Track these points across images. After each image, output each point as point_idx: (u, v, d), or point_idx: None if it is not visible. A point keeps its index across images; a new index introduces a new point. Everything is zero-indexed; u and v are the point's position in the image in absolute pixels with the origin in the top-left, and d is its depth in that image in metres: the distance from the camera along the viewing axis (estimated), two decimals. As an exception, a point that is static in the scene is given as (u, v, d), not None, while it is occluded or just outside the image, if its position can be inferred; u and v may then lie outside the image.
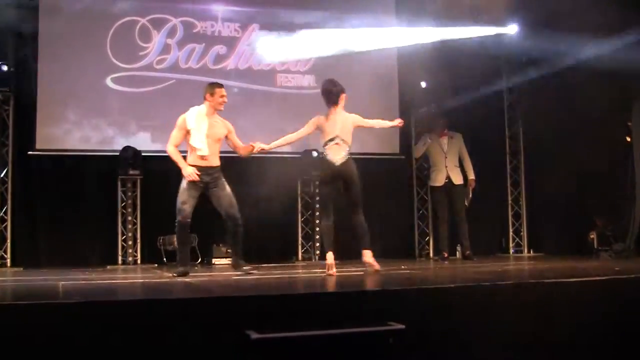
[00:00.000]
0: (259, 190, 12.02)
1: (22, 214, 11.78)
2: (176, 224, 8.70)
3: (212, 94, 8.76)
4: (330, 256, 8.52)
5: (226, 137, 8.94)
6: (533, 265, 9.96)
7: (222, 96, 8.78)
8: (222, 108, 8.84)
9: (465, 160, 12.25)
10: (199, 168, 8.60)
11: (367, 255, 8.69)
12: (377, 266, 8.59)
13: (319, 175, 9.28)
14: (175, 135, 8.73)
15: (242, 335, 4.96)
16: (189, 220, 8.67)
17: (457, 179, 12.11)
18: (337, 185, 8.87)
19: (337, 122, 8.77)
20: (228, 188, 8.88)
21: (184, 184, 8.67)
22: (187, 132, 8.67)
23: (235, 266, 9.14)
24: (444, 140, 12.26)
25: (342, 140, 8.73)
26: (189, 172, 8.53)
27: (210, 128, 8.69)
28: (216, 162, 8.81)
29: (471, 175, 12.17)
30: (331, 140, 8.73)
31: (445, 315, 5.65)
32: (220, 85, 8.93)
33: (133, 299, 5.72)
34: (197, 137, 8.61)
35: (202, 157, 8.65)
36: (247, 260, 12.22)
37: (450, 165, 12.15)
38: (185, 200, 8.62)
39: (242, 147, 9.07)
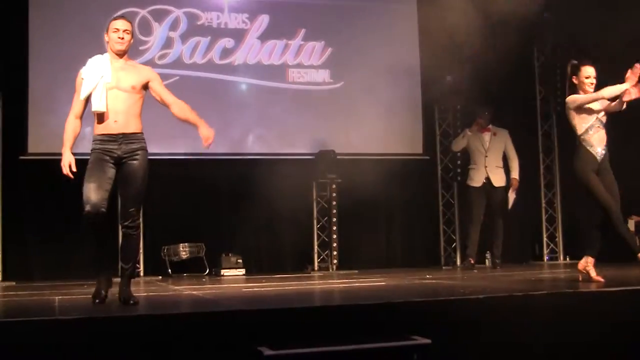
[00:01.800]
0: (271, 194, 12.04)
1: (13, 224, 11.76)
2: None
3: (107, 32, 6.75)
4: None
5: (147, 87, 6.77)
6: (569, 274, 9.94)
7: (115, 30, 6.68)
8: (119, 47, 6.66)
9: (511, 159, 12.13)
10: (106, 137, 6.50)
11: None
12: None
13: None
14: (74, 99, 6.68)
15: (254, 353, 4.99)
16: (102, 210, 6.44)
17: (498, 181, 12.00)
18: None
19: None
20: (141, 174, 6.58)
21: (88, 166, 6.51)
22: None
23: (122, 296, 6.56)
24: (486, 137, 12.11)
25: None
26: (66, 162, 6.45)
27: (115, 75, 6.59)
28: (134, 127, 6.61)
29: (515, 175, 12.04)
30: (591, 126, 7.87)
31: (473, 329, 5.67)
32: (117, 17, 6.97)
33: (136, 314, 5.75)
34: (89, 86, 6.55)
35: (104, 118, 6.50)
36: (260, 270, 12.34)
37: (490, 165, 12.01)
38: (89, 185, 6.45)
39: (180, 106, 6.84)
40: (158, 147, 11.27)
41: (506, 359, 5.61)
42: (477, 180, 12.05)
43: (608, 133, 7.90)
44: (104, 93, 6.50)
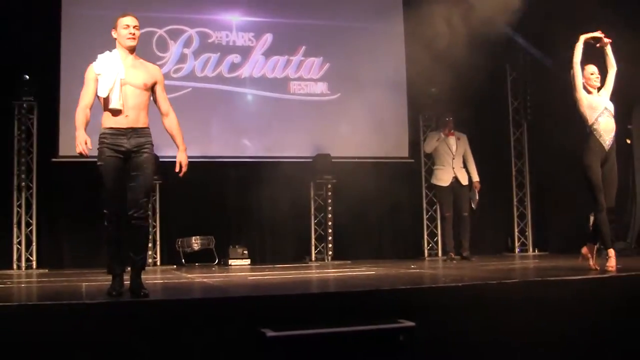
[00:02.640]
0: (273, 193, 12.05)
1: (46, 218, 11.82)
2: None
3: (116, 28, 6.39)
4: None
5: (152, 88, 6.38)
6: (538, 264, 9.95)
7: (126, 26, 6.32)
8: (131, 43, 6.29)
9: (469, 162, 12.03)
10: (115, 131, 6.12)
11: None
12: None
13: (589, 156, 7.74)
14: (84, 93, 6.26)
15: (258, 334, 4.99)
16: (120, 213, 6.19)
17: (464, 180, 11.91)
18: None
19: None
20: (149, 167, 6.23)
21: (102, 167, 6.15)
22: (97, 82, 6.25)
23: (132, 288, 6.03)
24: (452, 140, 12.03)
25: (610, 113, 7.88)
26: (81, 141, 5.94)
27: (127, 72, 6.23)
28: (142, 122, 6.24)
29: (476, 178, 11.93)
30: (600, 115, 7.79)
31: (453, 313, 5.67)
32: (125, 14, 6.43)
33: (153, 299, 5.74)
34: (107, 84, 6.16)
35: (117, 113, 6.13)
36: (263, 261, 12.33)
37: (457, 166, 11.91)
38: (109, 187, 6.16)
39: (172, 121, 6.49)
40: (174, 151, 11.25)
41: (483, 339, 5.60)
42: (445, 179, 11.94)
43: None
44: (120, 91, 6.14)
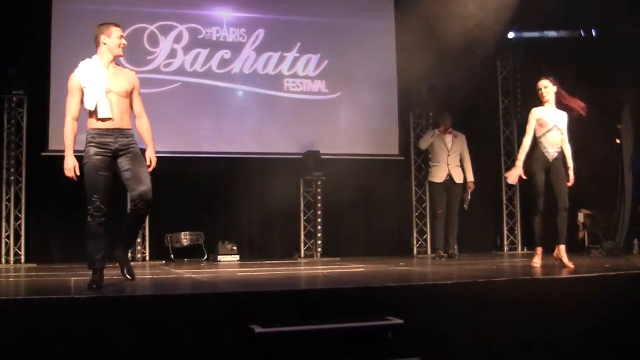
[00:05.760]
0: (263, 189, 12.08)
1: (35, 213, 11.81)
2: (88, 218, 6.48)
3: (108, 35, 6.63)
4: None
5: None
6: (526, 263, 9.97)
7: (120, 37, 6.65)
8: (122, 53, 6.68)
9: (465, 161, 12.03)
10: (102, 132, 6.43)
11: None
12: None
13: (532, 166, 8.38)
14: (70, 102, 6.53)
15: (246, 330, 4.99)
16: (105, 210, 6.45)
17: (458, 178, 11.90)
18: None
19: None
20: (142, 160, 6.63)
21: (87, 164, 6.45)
22: (82, 92, 6.51)
23: (124, 269, 6.93)
24: (448, 138, 12.01)
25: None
26: (70, 167, 6.43)
27: (111, 80, 6.53)
28: (127, 124, 6.59)
29: (470, 178, 11.92)
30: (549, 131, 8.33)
31: (441, 310, 5.69)
32: (117, 24, 6.76)
33: (142, 295, 5.74)
34: (94, 96, 6.43)
35: (105, 118, 6.45)
36: (252, 257, 12.33)
37: (452, 164, 11.91)
38: (94, 184, 6.42)
39: (144, 122, 6.87)
40: (162, 146, 11.27)
41: (471, 337, 5.62)
42: (439, 176, 11.95)
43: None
44: (107, 100, 6.45)
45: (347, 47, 12.72)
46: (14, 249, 11.52)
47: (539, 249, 8.44)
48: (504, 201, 13.92)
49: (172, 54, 12.41)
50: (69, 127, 6.48)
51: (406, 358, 5.16)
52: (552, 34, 12.62)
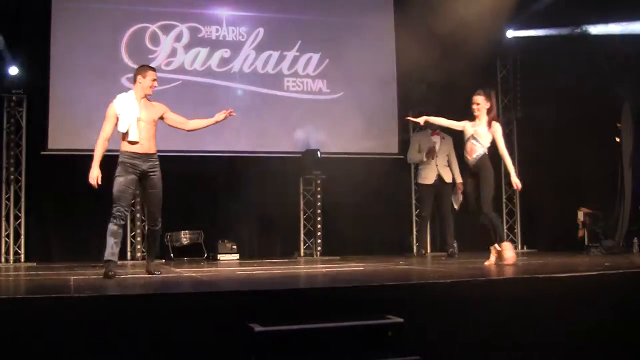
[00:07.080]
0: (262, 188, 12.10)
1: (35, 212, 11.82)
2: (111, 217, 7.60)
3: (144, 76, 7.87)
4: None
5: (163, 118, 8.04)
6: (526, 262, 9.96)
7: (153, 80, 7.90)
8: (151, 92, 7.92)
9: (453, 163, 12.04)
10: (133, 155, 7.69)
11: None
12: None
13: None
14: (106, 126, 7.73)
15: (246, 328, 4.99)
16: (127, 211, 7.88)
17: (448, 178, 11.96)
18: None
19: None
20: (160, 185, 7.95)
21: (119, 178, 7.66)
22: (117, 120, 7.74)
23: (148, 270, 8.15)
24: (436, 139, 12.07)
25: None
26: (94, 176, 7.53)
27: (142, 110, 7.80)
28: (153, 149, 7.87)
29: (459, 179, 11.80)
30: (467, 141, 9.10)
31: (441, 309, 5.68)
32: (153, 69, 8.05)
33: (141, 293, 5.74)
34: (126, 122, 7.69)
35: (134, 142, 7.71)
36: (252, 255, 12.34)
37: (440, 164, 11.97)
38: (121, 192, 7.62)
39: (191, 121, 8.27)
40: (162, 145, 11.25)
41: (470, 336, 5.62)
42: (429, 178, 11.99)
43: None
44: (137, 127, 7.72)
45: (347, 46, 12.68)
46: (13, 248, 11.53)
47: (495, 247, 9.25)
48: (504, 200, 13.90)
49: (173, 52, 12.45)
50: (100, 145, 7.66)
51: (406, 356, 5.16)
52: (551, 33, 12.58)
